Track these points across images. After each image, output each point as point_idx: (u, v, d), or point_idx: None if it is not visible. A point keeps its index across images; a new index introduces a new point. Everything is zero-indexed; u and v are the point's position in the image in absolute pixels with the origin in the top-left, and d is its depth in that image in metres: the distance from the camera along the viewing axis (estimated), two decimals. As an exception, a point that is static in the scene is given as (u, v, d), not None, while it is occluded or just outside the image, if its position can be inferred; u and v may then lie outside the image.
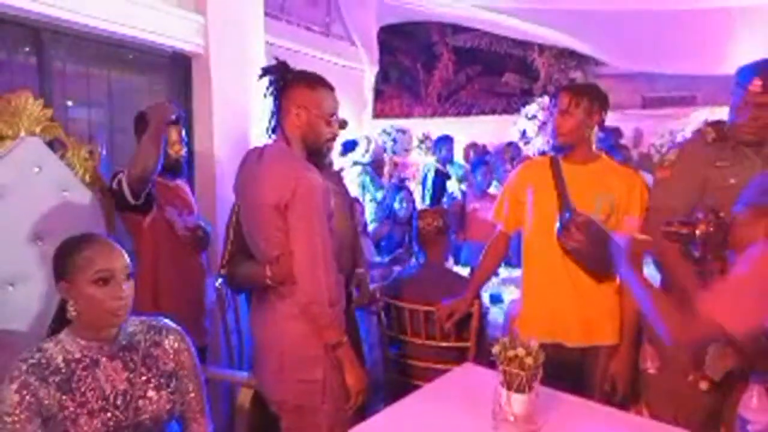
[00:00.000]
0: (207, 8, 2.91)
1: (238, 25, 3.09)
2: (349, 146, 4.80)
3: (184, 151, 2.38)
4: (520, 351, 1.37)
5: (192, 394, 1.53)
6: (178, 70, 2.98)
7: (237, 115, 3.02)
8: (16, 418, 1.32)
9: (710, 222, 1.50)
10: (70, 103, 2.59)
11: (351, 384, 1.72)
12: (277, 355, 1.76)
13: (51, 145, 2.03)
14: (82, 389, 1.38)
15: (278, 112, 1.73)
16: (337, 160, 4.64)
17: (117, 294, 1.38)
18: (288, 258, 1.67)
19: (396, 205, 3.75)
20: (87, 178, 2.14)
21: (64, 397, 1.36)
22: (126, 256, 1.42)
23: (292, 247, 1.66)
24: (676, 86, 9.90)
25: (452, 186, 4.69)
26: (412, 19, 6.86)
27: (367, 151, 4.75)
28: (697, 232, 1.51)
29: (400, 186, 3.93)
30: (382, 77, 7.32)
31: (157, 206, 2.20)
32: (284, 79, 1.72)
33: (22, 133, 1.94)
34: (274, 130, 1.76)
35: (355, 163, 4.69)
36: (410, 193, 3.88)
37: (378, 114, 6.65)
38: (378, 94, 6.86)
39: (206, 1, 2.91)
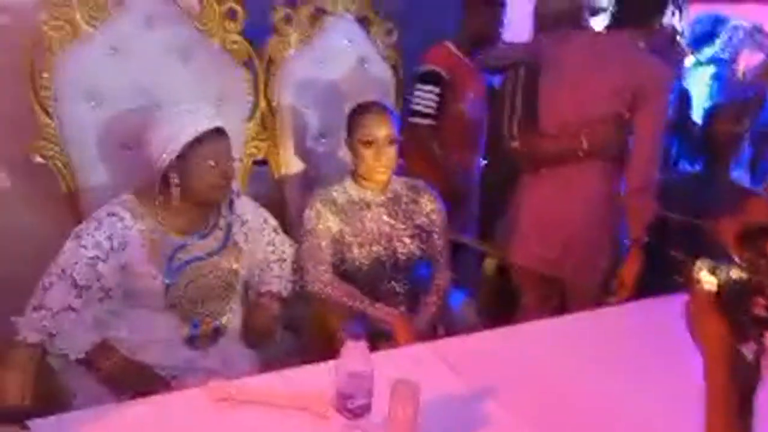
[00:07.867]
0: None
1: None
2: (704, 39, 3.77)
3: None
4: None
5: (439, 249, 1.81)
6: None
7: None
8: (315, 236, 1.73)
9: None
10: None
11: None
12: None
13: (360, 21, 2.33)
14: (357, 225, 1.74)
15: None
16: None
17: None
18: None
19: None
20: (386, 53, 2.40)
21: (344, 228, 1.74)
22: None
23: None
24: None
25: None
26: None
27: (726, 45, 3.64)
28: None
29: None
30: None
31: None
32: None
33: (340, 9, 2.29)
34: None
35: (712, 61, 3.46)
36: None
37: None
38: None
39: None
